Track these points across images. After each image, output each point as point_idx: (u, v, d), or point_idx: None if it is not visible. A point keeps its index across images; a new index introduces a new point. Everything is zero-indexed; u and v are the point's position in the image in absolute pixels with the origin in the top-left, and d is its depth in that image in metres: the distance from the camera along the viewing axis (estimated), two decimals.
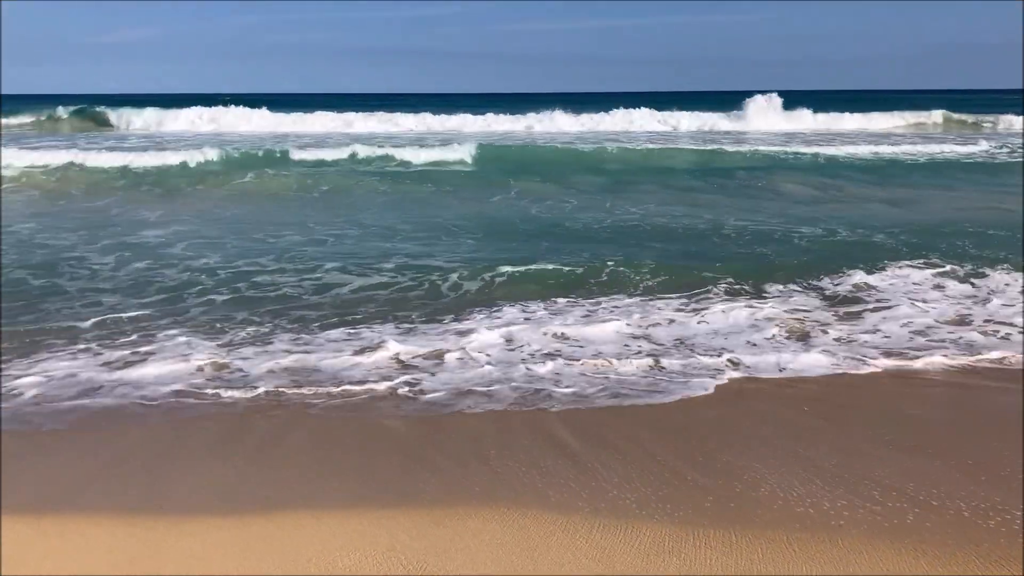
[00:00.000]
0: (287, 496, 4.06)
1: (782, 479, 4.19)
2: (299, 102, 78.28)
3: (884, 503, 3.94)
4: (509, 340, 6.52)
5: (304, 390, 5.50)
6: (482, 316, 7.17)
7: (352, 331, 6.76)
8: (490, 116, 36.94)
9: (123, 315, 7.20)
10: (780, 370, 5.93)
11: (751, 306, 7.41)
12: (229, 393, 5.43)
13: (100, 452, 4.58)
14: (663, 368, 5.95)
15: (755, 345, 6.45)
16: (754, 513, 3.85)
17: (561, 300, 7.70)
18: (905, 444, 4.64)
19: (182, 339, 6.48)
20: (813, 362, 6.05)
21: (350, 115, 36.16)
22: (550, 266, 8.96)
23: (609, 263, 9.00)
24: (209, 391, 5.48)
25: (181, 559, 3.50)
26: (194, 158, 19.36)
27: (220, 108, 36.34)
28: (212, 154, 19.81)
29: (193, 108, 36.11)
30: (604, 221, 12.77)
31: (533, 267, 8.88)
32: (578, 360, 6.08)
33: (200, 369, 5.86)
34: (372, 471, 4.33)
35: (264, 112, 35.97)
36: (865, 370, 5.90)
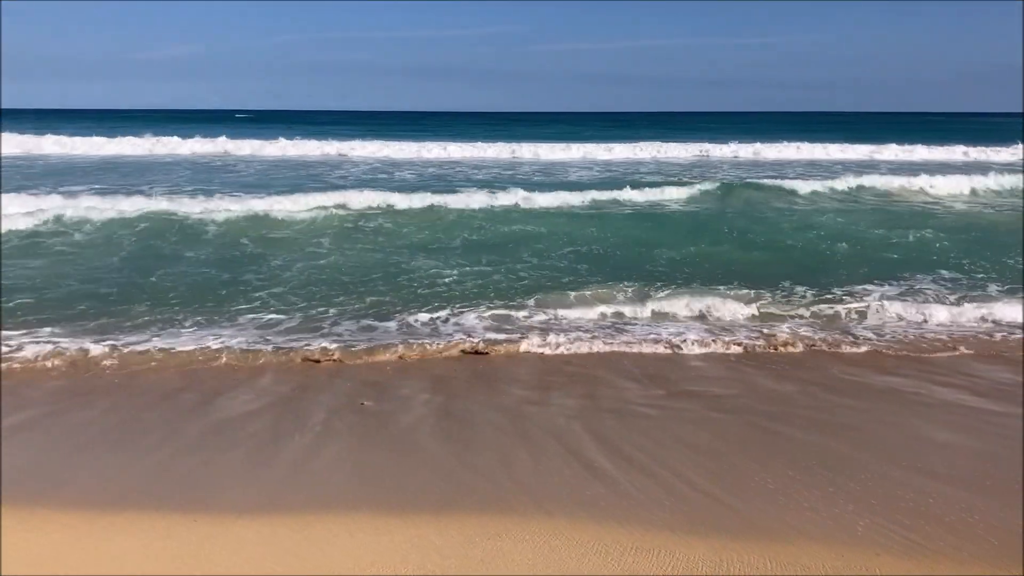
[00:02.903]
0: (322, 504, 4.08)
1: (811, 500, 4.13)
2: (341, 119, 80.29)
3: (915, 527, 3.87)
4: None
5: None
6: None
7: None
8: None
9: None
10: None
11: None
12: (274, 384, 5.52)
13: (152, 449, 4.65)
14: None
15: None
16: (788, 537, 3.79)
17: None
18: (926, 467, 4.57)
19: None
20: None
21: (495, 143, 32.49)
22: None
23: None
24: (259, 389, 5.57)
25: (215, 565, 3.52)
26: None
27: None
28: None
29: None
30: None
31: None
32: None
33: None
34: (405, 485, 4.35)
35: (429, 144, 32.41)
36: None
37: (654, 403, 5.70)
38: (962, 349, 7.01)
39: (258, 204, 14.29)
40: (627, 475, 4.49)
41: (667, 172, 23.78)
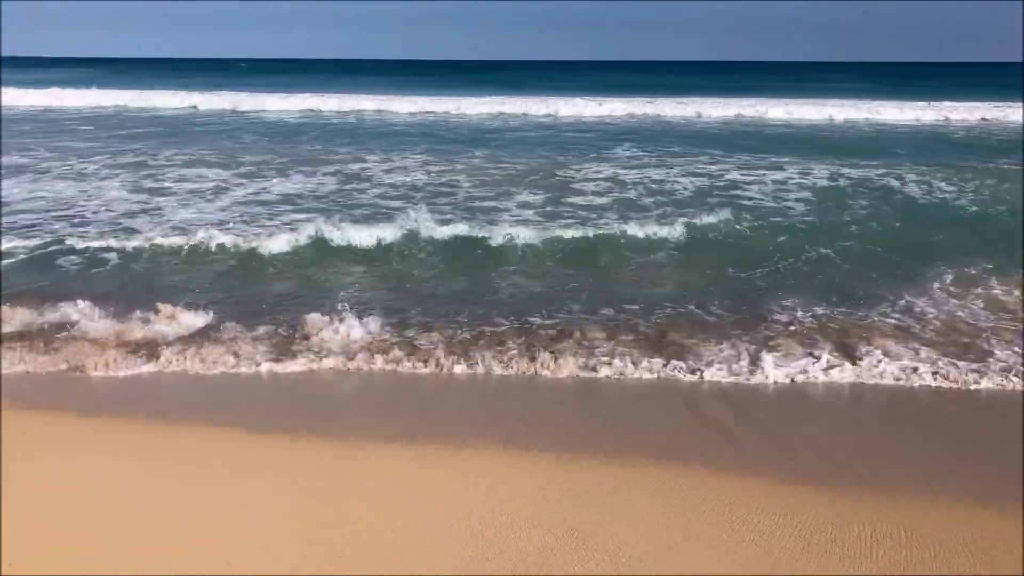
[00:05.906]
0: (451, 441, 4.28)
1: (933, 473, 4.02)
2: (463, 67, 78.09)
3: None
4: None
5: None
6: None
7: None
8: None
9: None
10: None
11: None
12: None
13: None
14: None
15: None
16: (918, 506, 3.70)
17: None
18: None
19: None
20: None
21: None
22: None
23: None
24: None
25: (348, 491, 3.74)
26: None
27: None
28: None
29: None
30: None
31: None
32: None
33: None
34: (532, 432, 4.49)
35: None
36: None
37: None
38: None
39: None
40: (751, 436, 4.46)
41: None
